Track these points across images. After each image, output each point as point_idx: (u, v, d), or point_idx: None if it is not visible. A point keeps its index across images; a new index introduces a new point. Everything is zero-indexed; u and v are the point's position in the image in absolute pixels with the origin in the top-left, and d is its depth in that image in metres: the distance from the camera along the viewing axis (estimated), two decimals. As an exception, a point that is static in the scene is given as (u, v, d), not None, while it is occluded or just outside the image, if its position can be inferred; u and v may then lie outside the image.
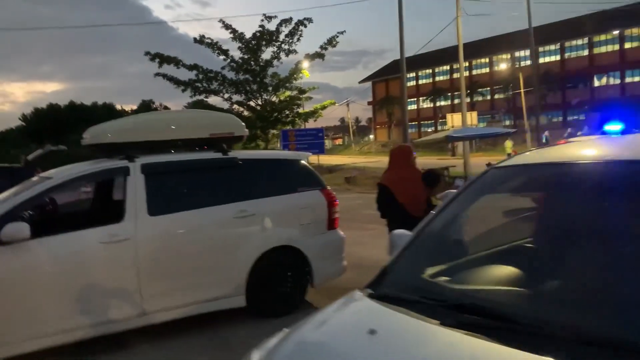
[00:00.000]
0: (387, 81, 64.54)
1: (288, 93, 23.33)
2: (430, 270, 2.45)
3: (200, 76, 22.31)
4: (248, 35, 22.23)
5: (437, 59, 56.82)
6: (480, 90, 54.22)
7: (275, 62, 22.49)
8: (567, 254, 2.29)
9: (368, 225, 10.46)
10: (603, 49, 49.14)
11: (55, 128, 36.96)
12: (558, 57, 50.95)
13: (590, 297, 1.84)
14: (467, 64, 51.32)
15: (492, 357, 1.59)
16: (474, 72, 56.56)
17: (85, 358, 4.52)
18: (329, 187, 5.89)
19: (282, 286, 5.41)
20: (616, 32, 46.35)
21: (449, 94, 56.98)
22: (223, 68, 22.51)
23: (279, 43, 22.28)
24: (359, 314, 2.14)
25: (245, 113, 23.30)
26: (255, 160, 5.74)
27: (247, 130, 6.06)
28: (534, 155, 2.68)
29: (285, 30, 22.00)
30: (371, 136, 71.84)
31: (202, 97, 23.34)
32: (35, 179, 5.25)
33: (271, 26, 22.02)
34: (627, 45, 47.44)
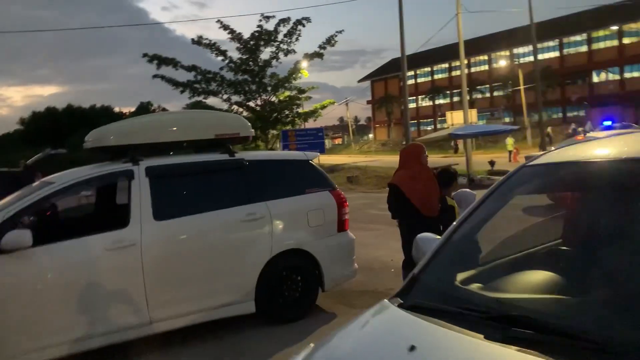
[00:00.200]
0: (386, 80, 64.39)
1: (287, 93, 23.17)
2: (461, 276, 2.30)
3: (199, 77, 22.14)
4: (246, 35, 22.08)
5: (435, 57, 56.70)
6: (479, 87, 54.09)
7: (274, 62, 22.33)
8: (608, 258, 2.14)
9: (373, 226, 10.32)
10: (602, 45, 49.00)
11: (54, 131, 36.80)
12: (557, 54, 50.83)
13: None
14: (466, 61, 51.12)
15: None
16: (473, 69, 56.41)
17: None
18: (338, 188, 5.74)
19: (292, 291, 5.26)
20: (615, 28, 46.19)
21: (448, 92, 56.84)
22: (222, 69, 22.36)
23: (278, 43, 22.12)
24: (393, 327, 1.98)
25: (245, 114, 23.13)
26: (262, 161, 5.58)
27: (253, 130, 5.91)
28: (568, 153, 2.52)
29: (283, 30, 21.85)
30: (370, 135, 71.65)
31: (200, 98, 23.18)
32: (36, 184, 5.09)
33: (269, 26, 21.87)
34: (626, 41, 47.30)
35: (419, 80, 62.29)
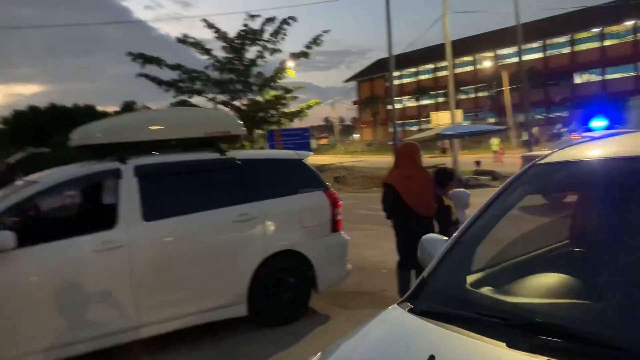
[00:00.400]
0: (372, 80, 64.48)
1: (273, 93, 23.02)
2: (471, 279, 2.21)
3: (184, 76, 21.92)
4: (232, 34, 21.89)
5: (420, 58, 56.87)
6: (463, 88, 54.39)
7: (259, 61, 22.17)
8: (624, 260, 2.06)
9: (363, 226, 10.23)
10: (584, 47, 49.59)
11: (36, 130, 36.18)
12: (540, 55, 51.31)
13: None
14: (447, 63, 51.32)
15: None
16: (458, 70, 56.61)
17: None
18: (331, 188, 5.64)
19: (285, 293, 5.14)
20: (597, 30, 46.77)
21: (433, 92, 57.08)
22: (207, 67, 22.14)
23: (264, 42, 21.97)
24: (408, 334, 1.87)
25: (230, 113, 22.93)
26: (254, 161, 5.45)
27: (244, 129, 5.78)
28: (580, 151, 2.44)
29: (269, 29, 21.70)
30: (356, 135, 71.67)
31: (185, 97, 22.93)
32: (19, 183, 4.91)
33: (255, 25, 21.71)
34: (608, 43, 47.93)
35: (405, 80, 62.44)
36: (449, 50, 20.51)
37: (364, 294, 5.95)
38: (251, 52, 22.10)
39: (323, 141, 61.67)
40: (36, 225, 4.86)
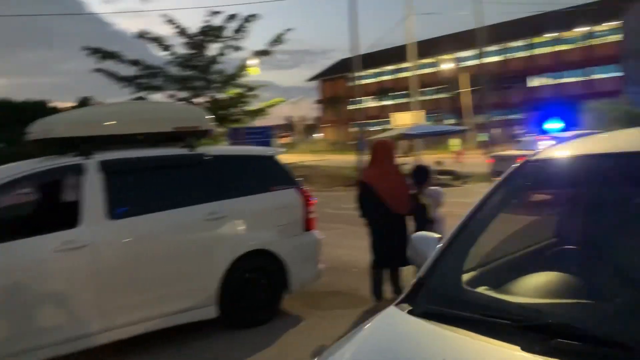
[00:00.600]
0: (334, 80, 64.56)
1: (235, 90, 22.72)
2: (467, 278, 2.13)
3: (143, 72, 21.38)
4: (193, 30, 21.49)
5: (382, 59, 57.31)
6: (423, 89, 55.13)
7: (221, 58, 21.85)
8: (623, 257, 2.02)
9: (330, 225, 10.11)
10: (540, 51, 51.01)
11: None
12: (499, 58, 52.43)
13: None
14: (412, 64, 51.99)
15: None
16: (418, 71, 57.47)
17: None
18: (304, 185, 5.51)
19: (257, 294, 4.98)
20: (552, 35, 48.20)
21: (394, 93, 57.61)
22: (167, 64, 21.66)
23: (225, 39, 21.65)
24: (414, 338, 1.77)
25: (200, 108, 22.46)
26: (225, 157, 5.26)
27: (214, 124, 5.59)
28: (573, 147, 2.40)
29: (231, 26, 21.40)
30: (319, 135, 71.66)
31: (144, 93, 22.37)
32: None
33: (217, 22, 21.37)
34: (563, 47, 49.44)
35: (366, 81, 62.79)
36: (412, 52, 20.69)
37: (336, 294, 5.85)
38: (213, 49, 21.78)
39: (285, 140, 61.26)
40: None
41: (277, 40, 21.94)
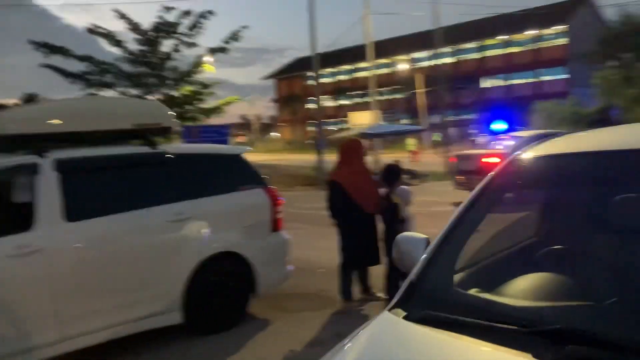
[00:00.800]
0: (290, 79, 64.37)
1: (190, 88, 22.22)
2: (460, 281, 2.06)
3: (93, 68, 20.61)
4: (145, 26, 20.86)
5: (339, 58, 57.45)
6: (379, 89, 55.69)
7: (175, 55, 21.32)
8: (623, 258, 1.99)
9: (292, 225, 9.93)
10: (491, 53, 52.36)
11: None
12: (451, 59, 53.50)
13: None
14: (369, 64, 52.39)
15: None
16: (375, 72, 57.98)
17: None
18: (271, 185, 5.36)
19: (223, 298, 4.80)
20: (503, 38, 49.56)
21: (351, 93, 57.95)
22: (118, 60, 20.95)
23: (180, 35, 21.13)
24: (415, 346, 1.66)
25: (161, 104, 21.78)
26: (189, 155, 5.06)
27: (176, 121, 5.37)
28: (561, 144, 2.37)
29: (185, 22, 20.91)
30: (275, 134, 71.24)
31: (94, 90, 21.60)
32: None
33: (171, 18, 20.81)
34: (513, 50, 50.90)
35: (323, 80, 62.87)
36: (370, 52, 20.78)
37: (303, 296, 5.74)
38: (166, 46, 21.22)
39: (240, 139, 60.53)
40: None
41: (233, 37, 21.58)
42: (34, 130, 4.23)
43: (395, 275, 5.11)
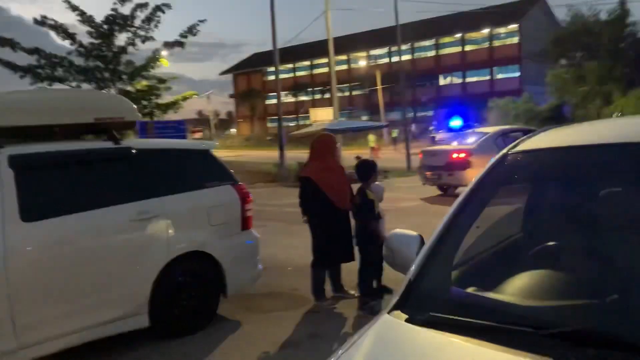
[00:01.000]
0: (249, 74, 63.74)
1: (145, 82, 21.61)
2: (458, 280, 1.98)
3: (43, 61, 19.76)
4: (99, 18, 20.14)
5: (297, 54, 57.27)
6: (338, 86, 55.78)
7: (130, 49, 20.67)
8: (624, 254, 1.94)
9: (257, 222, 9.76)
10: (448, 51, 53.25)
11: None
12: (409, 57, 54.16)
13: None
14: (326, 60, 52.36)
15: None
16: (335, 68, 58.06)
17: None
18: (240, 182, 5.19)
19: (192, 299, 4.60)
20: (458, 36, 50.47)
21: (310, 89, 57.88)
22: (69, 53, 20.17)
23: (135, 29, 20.49)
24: (424, 352, 1.56)
25: (124, 97, 21.04)
26: (154, 151, 4.82)
27: (139, 114, 5.12)
28: (555, 138, 2.32)
29: (141, 15, 20.29)
30: (233, 130, 70.38)
31: (44, 84, 20.72)
32: None
33: (125, 10, 20.15)
34: (468, 48, 51.93)
35: (282, 76, 62.51)
36: (331, 48, 20.72)
37: (274, 295, 5.60)
38: (121, 39, 20.56)
39: (197, 135, 59.39)
40: None
41: (190, 31, 21.09)
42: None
43: (367, 272, 5.04)
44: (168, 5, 20.69)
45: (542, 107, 32.78)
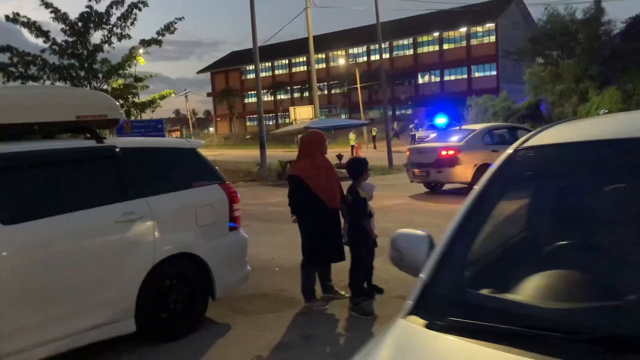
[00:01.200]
0: (226, 73, 63.26)
1: (121, 81, 21.20)
2: (475, 282, 1.89)
3: (15, 59, 19.25)
4: (73, 16, 19.68)
5: (276, 52, 57.09)
6: (318, 84, 55.77)
7: (106, 47, 20.25)
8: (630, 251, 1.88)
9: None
10: (426, 49, 53.58)
11: None
12: (387, 55, 54.39)
13: None
14: (305, 58, 52.29)
15: None
16: (314, 66, 58.06)
17: None
18: (227, 181, 5.06)
19: (179, 302, 4.46)
20: (436, 34, 50.83)
21: (289, 87, 57.72)
22: (43, 51, 19.68)
23: (110, 26, 20.09)
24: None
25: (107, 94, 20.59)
26: (138, 150, 4.65)
27: (123, 112, 4.95)
28: (568, 133, 2.25)
29: (117, 12, 19.88)
30: (211, 129, 69.79)
31: (17, 83, 20.19)
32: None
33: (101, 7, 19.73)
34: (445, 47, 52.32)
35: (260, 74, 62.20)
36: (311, 46, 20.63)
37: (262, 296, 5.48)
38: (96, 37, 20.14)
39: (175, 134, 58.76)
40: None
41: (168, 29, 20.75)
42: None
43: (358, 272, 4.95)
44: (144, 3, 20.35)
45: (519, 105, 33.16)
